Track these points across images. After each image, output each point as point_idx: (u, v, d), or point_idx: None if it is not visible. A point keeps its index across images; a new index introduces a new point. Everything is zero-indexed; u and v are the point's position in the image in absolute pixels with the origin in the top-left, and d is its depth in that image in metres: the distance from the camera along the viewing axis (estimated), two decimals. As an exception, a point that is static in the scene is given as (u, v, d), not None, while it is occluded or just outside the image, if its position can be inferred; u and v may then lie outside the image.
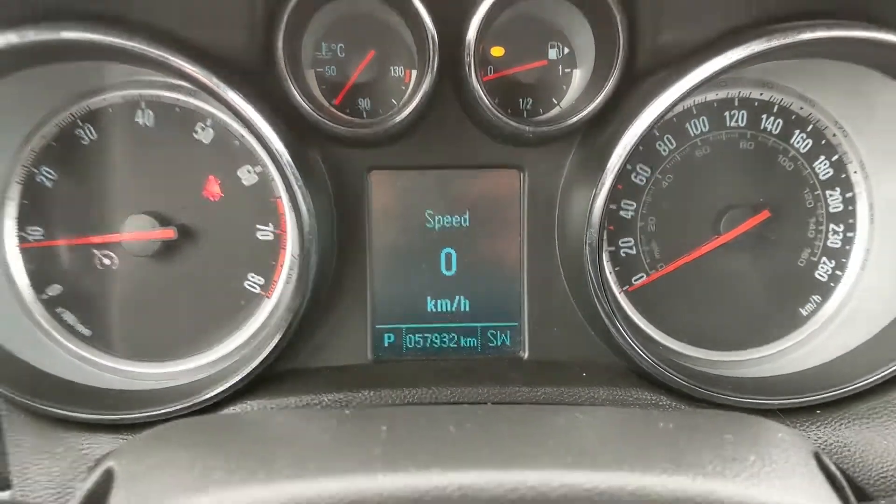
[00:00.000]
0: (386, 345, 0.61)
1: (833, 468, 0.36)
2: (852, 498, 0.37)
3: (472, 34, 0.53)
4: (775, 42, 0.49)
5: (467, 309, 0.62)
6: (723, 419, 0.43)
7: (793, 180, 0.61)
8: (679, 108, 0.60)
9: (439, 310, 0.62)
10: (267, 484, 0.31)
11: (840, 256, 0.62)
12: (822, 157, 0.61)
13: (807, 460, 0.35)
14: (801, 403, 0.53)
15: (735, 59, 0.49)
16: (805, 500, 0.31)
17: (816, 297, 0.62)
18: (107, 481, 0.35)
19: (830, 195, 0.61)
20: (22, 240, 0.59)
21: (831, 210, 0.61)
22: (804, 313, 0.62)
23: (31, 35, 0.48)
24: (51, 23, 0.49)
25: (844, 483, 0.36)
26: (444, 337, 0.62)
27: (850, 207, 0.61)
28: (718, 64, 0.49)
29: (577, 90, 0.59)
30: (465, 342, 0.61)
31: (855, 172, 0.60)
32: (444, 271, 0.62)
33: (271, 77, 0.54)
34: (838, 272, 0.62)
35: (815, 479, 0.34)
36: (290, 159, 0.52)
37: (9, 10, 0.49)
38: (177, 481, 0.32)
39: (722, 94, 0.60)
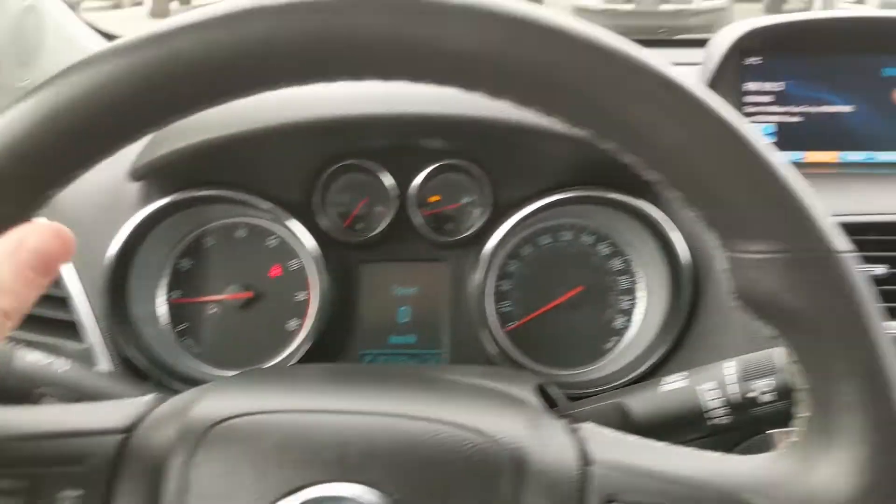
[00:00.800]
0: (364, 363, 1.04)
1: (554, 393, 0.75)
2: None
3: (413, 190, 1.00)
4: (558, 196, 0.95)
5: (414, 342, 1.05)
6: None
7: (600, 270, 1.04)
8: (532, 229, 1.05)
9: (396, 343, 1.06)
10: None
11: (628, 315, 1.04)
12: (617, 257, 1.05)
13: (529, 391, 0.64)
14: (599, 391, 0.94)
15: (537, 207, 0.95)
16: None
17: (615, 338, 1.04)
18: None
19: (621, 279, 1.05)
20: (168, 298, 1.04)
21: (622, 287, 1.05)
22: (606, 348, 1.04)
23: (194, 193, 0.96)
24: (207, 186, 0.97)
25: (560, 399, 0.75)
26: (399, 359, 1.05)
27: (632, 287, 1.05)
28: (531, 208, 0.95)
29: (474, 219, 1.05)
30: (411, 362, 1.04)
31: (635, 267, 1.04)
32: (400, 320, 1.06)
33: (311, 212, 1.01)
34: (627, 324, 1.04)
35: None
36: (320, 256, 0.98)
37: (183, 181, 0.97)
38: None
39: (557, 221, 1.05)
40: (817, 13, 1.13)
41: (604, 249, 1.03)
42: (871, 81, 1.17)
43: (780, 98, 1.17)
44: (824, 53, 1.17)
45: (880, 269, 0.94)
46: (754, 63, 1.17)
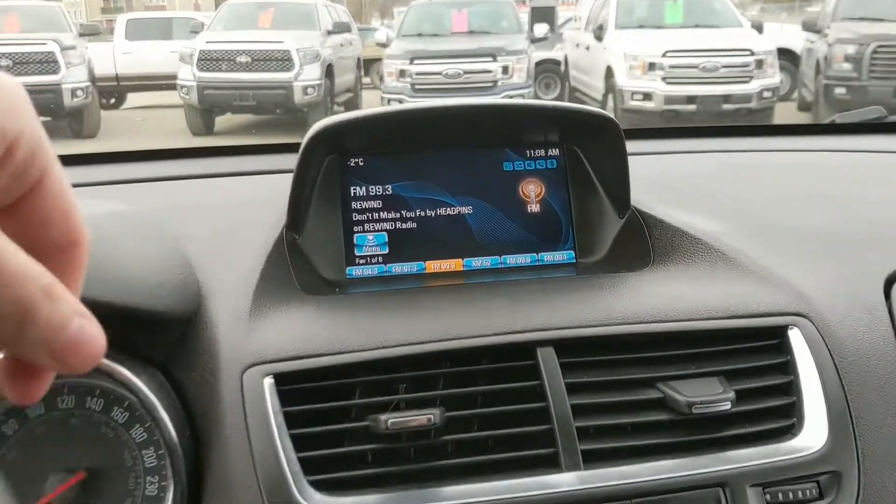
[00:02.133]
0: None
1: None
2: None
3: None
4: None
5: None
6: None
7: (113, 444, 0.78)
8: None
9: None
10: None
11: (157, 501, 0.77)
12: (137, 425, 0.79)
13: None
14: None
15: None
16: None
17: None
18: None
19: (146, 453, 0.78)
20: None
21: (147, 465, 0.78)
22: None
23: None
24: None
25: None
26: None
27: (163, 462, 0.78)
28: None
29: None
30: None
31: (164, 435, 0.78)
32: None
33: None
34: (156, 516, 0.76)
35: None
36: None
37: None
38: None
39: (56, 381, 0.78)
40: (413, 105, 0.98)
41: (120, 414, 0.76)
42: (493, 178, 1.03)
43: (390, 202, 1.00)
44: (435, 149, 1.02)
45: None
46: (358, 165, 1.00)
